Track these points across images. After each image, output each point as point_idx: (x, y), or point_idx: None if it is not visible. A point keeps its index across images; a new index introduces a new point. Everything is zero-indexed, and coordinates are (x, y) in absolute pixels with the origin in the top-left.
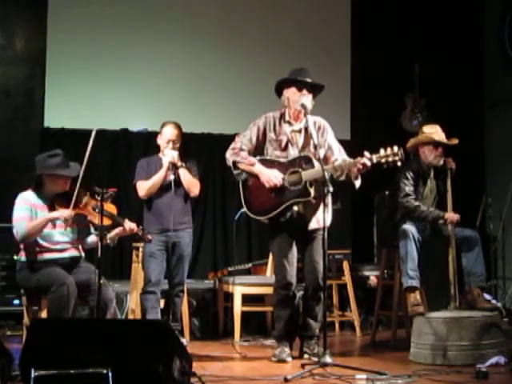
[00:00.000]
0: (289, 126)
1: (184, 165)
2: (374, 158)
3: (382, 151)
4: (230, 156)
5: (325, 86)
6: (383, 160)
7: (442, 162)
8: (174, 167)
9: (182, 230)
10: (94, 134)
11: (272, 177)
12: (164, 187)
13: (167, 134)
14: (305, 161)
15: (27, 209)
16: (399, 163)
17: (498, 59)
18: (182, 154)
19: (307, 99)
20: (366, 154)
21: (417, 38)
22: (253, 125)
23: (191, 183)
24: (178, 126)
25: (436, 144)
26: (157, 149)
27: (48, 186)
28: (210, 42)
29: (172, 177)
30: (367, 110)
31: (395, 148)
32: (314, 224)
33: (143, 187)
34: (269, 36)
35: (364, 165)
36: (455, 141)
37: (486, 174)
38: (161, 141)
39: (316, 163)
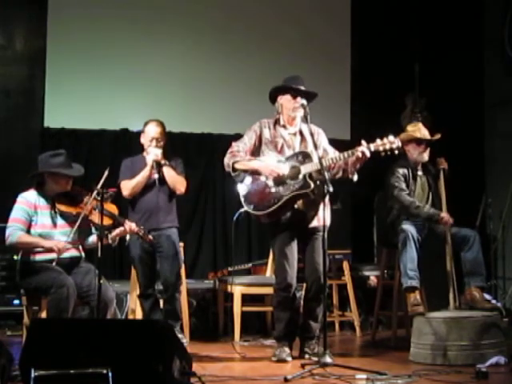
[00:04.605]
0: (284, 129)
1: (168, 163)
2: (372, 146)
3: (378, 140)
4: (228, 159)
5: (318, 95)
6: (381, 148)
7: (426, 158)
8: (158, 165)
9: (166, 229)
10: (106, 173)
11: (274, 167)
12: (148, 186)
13: (150, 132)
14: (303, 156)
15: (25, 211)
16: (396, 151)
17: (498, 59)
18: (167, 151)
19: (302, 104)
20: (364, 142)
21: (417, 38)
22: (248, 129)
23: (176, 180)
24: (161, 124)
25: (418, 141)
26: (141, 148)
27: (50, 185)
28: (210, 42)
29: (156, 175)
30: (367, 110)
31: (391, 137)
32: (314, 222)
33: (127, 187)
34: (269, 36)
35: (363, 153)
36: (437, 136)
37: (486, 174)
38: (144, 139)
39: (315, 158)
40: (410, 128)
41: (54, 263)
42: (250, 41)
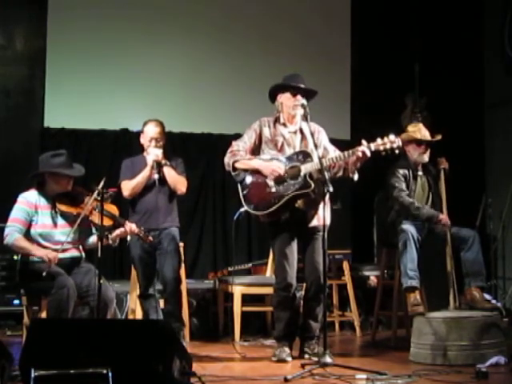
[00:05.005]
0: (284, 127)
1: (168, 163)
2: (372, 146)
3: (378, 140)
4: (228, 159)
5: (318, 92)
6: (381, 147)
7: (427, 159)
8: (158, 166)
9: (167, 229)
10: (103, 182)
11: (275, 167)
12: (148, 186)
13: (149, 133)
14: (303, 155)
15: (25, 211)
16: (397, 151)
17: (498, 59)
18: (167, 151)
19: (302, 104)
20: (364, 142)
21: (417, 38)
22: (248, 128)
23: (176, 181)
24: (161, 124)
25: (419, 142)
26: (141, 148)
27: (50, 185)
28: (210, 42)
29: (156, 176)
30: (367, 110)
31: (391, 136)
32: (314, 221)
33: (127, 187)
34: (268, 36)
35: (363, 153)
36: (438, 137)
37: (486, 174)
38: (144, 140)
39: (315, 158)
40: (410, 128)
41: (44, 274)
42: (250, 41)
